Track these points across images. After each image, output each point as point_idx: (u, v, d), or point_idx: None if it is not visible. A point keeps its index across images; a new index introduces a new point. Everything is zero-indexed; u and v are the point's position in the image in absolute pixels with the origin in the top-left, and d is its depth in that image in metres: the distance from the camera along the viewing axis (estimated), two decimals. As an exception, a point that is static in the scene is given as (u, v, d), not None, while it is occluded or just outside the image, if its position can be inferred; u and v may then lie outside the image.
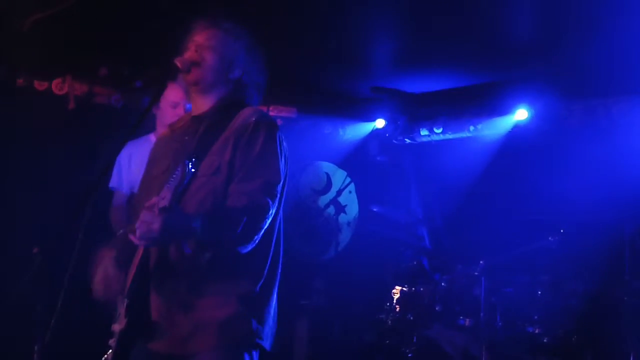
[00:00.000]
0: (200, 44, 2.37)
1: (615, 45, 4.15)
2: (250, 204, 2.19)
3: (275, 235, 2.35)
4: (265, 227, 2.24)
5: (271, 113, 5.78)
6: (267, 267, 2.31)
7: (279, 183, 2.27)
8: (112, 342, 2.28)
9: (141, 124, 2.41)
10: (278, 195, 2.27)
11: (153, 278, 2.26)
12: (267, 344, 2.31)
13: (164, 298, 2.24)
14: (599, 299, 4.05)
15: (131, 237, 2.15)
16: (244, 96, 2.44)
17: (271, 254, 2.33)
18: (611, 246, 4.14)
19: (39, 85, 4.57)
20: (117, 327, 2.26)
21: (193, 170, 2.14)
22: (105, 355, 2.42)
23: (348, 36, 4.44)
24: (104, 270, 2.39)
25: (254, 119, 2.31)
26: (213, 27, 2.40)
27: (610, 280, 4.07)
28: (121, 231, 2.53)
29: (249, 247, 2.21)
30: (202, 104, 2.41)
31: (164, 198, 2.09)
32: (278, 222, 2.36)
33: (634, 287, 3.90)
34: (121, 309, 2.27)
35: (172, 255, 2.24)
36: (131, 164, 3.66)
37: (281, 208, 2.35)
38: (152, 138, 3.62)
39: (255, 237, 2.21)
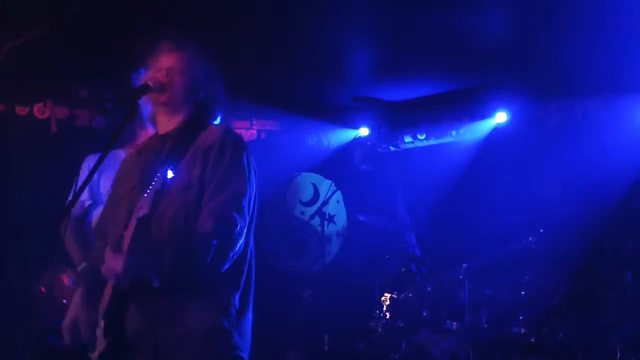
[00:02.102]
0: (170, 67, 2.43)
1: (588, 45, 4.20)
2: (218, 224, 2.22)
3: (249, 248, 2.39)
4: (240, 241, 2.27)
5: (254, 127, 5.83)
6: (243, 279, 2.36)
7: (245, 196, 2.30)
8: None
9: (116, 143, 2.43)
10: (246, 208, 2.30)
11: (131, 295, 2.26)
12: (246, 355, 2.35)
13: (145, 314, 2.26)
14: (582, 296, 4.08)
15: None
16: (208, 115, 2.51)
17: (246, 266, 2.37)
18: (591, 244, 4.17)
19: (20, 110, 4.61)
20: (95, 354, 2.26)
21: (172, 176, 2.17)
22: None
23: (327, 47, 4.49)
24: (73, 314, 2.45)
25: (221, 135, 2.36)
26: (180, 50, 2.48)
27: (591, 277, 4.11)
28: (83, 265, 2.54)
29: (227, 265, 2.25)
30: (168, 123, 2.46)
31: (141, 207, 2.13)
32: (251, 235, 2.40)
33: (615, 283, 3.94)
34: (98, 333, 2.27)
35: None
36: (106, 177, 3.62)
37: (253, 222, 2.39)
38: (121, 153, 3.60)
39: (230, 254, 2.24)
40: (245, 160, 2.35)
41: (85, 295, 2.42)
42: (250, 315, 2.40)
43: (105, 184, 3.38)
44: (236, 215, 2.25)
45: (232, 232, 2.23)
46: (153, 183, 2.14)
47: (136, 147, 2.59)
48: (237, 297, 2.33)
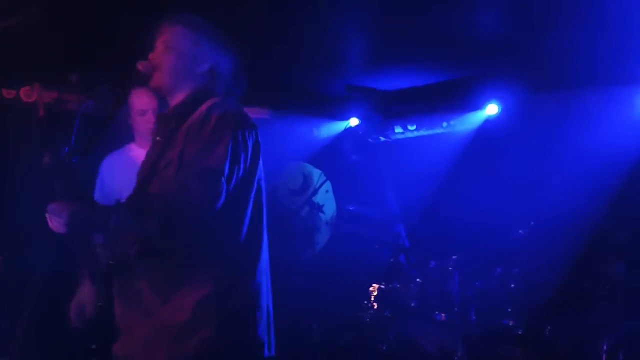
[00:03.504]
0: (161, 47, 2.32)
1: (581, 36, 4.20)
2: (180, 191, 2.05)
3: (244, 235, 2.20)
4: (204, 215, 2.07)
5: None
6: (233, 268, 2.17)
7: (221, 173, 2.08)
8: (94, 346, 2.27)
9: (106, 132, 2.36)
10: (220, 185, 2.07)
11: (116, 278, 2.21)
12: (251, 347, 2.19)
13: (125, 300, 2.20)
14: (571, 289, 4.11)
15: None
16: (217, 87, 2.34)
17: (239, 253, 2.19)
18: (582, 236, 4.19)
19: (7, 93, 4.53)
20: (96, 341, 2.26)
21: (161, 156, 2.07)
22: None
23: (319, 34, 4.45)
24: (79, 300, 2.37)
25: (207, 109, 2.21)
26: (172, 24, 2.34)
27: (580, 270, 4.13)
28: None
29: (189, 237, 2.09)
30: (171, 102, 2.35)
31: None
32: (246, 221, 2.21)
33: (603, 277, 3.96)
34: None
35: (127, 255, 2.16)
36: (113, 176, 3.58)
37: (251, 205, 2.22)
38: (133, 148, 3.56)
39: (188, 226, 2.08)
40: (230, 136, 2.12)
41: (89, 278, 2.33)
42: (240, 307, 2.18)
43: (118, 183, 3.28)
44: (202, 188, 2.05)
45: (193, 203, 2.04)
46: (146, 168, 2.10)
47: (152, 134, 2.47)
48: (223, 288, 2.14)
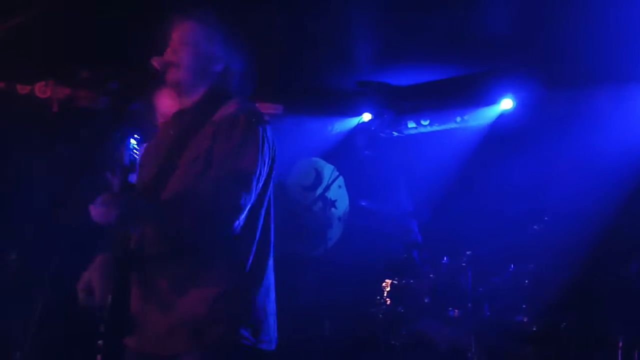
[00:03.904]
0: (176, 43, 2.31)
1: (597, 32, 4.16)
2: (215, 190, 2.11)
3: (259, 231, 2.25)
4: (239, 218, 2.13)
5: (256, 110, 5.77)
6: (249, 263, 2.21)
7: (254, 173, 2.16)
8: (100, 342, 2.28)
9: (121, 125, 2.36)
10: (253, 185, 2.15)
11: (134, 273, 2.21)
12: (259, 343, 2.20)
13: (142, 294, 2.21)
14: (585, 286, 4.07)
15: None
16: (231, 87, 2.37)
17: (254, 250, 2.23)
18: (595, 233, 4.15)
19: (21, 89, 4.56)
20: (102, 327, 2.23)
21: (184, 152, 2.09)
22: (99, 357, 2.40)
23: (332, 31, 4.44)
24: (88, 275, 2.35)
25: (235, 110, 2.24)
26: (187, 20, 2.34)
27: (595, 267, 4.10)
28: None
29: (218, 239, 2.13)
30: (186, 100, 2.36)
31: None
32: (262, 217, 2.26)
33: (618, 274, 3.93)
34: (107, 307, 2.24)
35: (150, 250, 2.20)
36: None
37: (266, 202, 2.27)
38: None
39: (223, 227, 2.12)
40: (260, 136, 2.20)
41: (103, 262, 2.33)
42: (260, 300, 2.23)
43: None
44: (238, 189, 2.12)
45: (229, 200, 2.10)
46: (165, 161, 2.11)
47: (161, 125, 2.48)
48: (241, 282, 2.19)
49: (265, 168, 2.23)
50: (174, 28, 2.36)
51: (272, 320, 2.28)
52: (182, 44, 2.31)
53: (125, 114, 2.33)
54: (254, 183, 2.16)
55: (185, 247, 2.16)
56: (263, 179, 2.23)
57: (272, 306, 2.29)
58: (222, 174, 2.14)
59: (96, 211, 2.05)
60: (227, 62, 2.36)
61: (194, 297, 2.15)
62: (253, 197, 2.17)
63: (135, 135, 2.27)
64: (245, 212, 2.17)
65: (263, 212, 2.28)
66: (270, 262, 2.31)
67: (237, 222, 2.14)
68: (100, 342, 2.27)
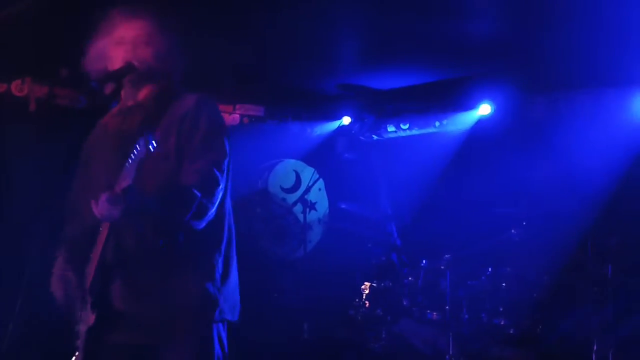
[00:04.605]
0: (134, 38, 2.34)
1: (574, 38, 4.21)
2: (202, 179, 2.24)
3: (227, 211, 2.41)
4: (217, 201, 2.29)
5: (238, 112, 5.76)
6: (223, 244, 2.37)
7: (225, 158, 2.33)
8: (79, 342, 2.26)
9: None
10: (225, 170, 2.33)
11: (115, 269, 2.25)
12: (230, 316, 2.38)
13: (130, 287, 2.24)
14: (561, 289, 4.12)
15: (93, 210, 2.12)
16: (179, 84, 2.47)
17: (225, 229, 2.39)
18: (574, 238, 4.20)
19: (-2, 87, 4.50)
20: (83, 327, 2.24)
21: (155, 145, 2.09)
22: (74, 358, 2.39)
23: (313, 33, 4.44)
24: (60, 274, 2.37)
25: (195, 102, 2.34)
26: (140, 19, 2.38)
27: (572, 270, 4.15)
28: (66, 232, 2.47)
29: (203, 223, 2.26)
30: (137, 94, 2.40)
31: (124, 179, 2.08)
32: (228, 198, 2.42)
33: (595, 278, 3.98)
34: (86, 307, 2.24)
35: (130, 243, 2.25)
36: None
37: (229, 183, 2.40)
38: None
39: (209, 213, 2.26)
40: (223, 122, 2.40)
41: (68, 259, 2.36)
42: (233, 279, 2.42)
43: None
44: (218, 174, 2.28)
45: (215, 189, 2.26)
46: (132, 154, 2.08)
47: (102, 122, 2.50)
48: (220, 261, 2.34)
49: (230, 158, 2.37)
50: (121, 22, 2.37)
51: (234, 295, 2.43)
52: (141, 41, 2.35)
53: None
54: (226, 167, 2.33)
55: (178, 239, 2.23)
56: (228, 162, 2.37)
57: (236, 279, 2.44)
58: (201, 164, 2.26)
59: (101, 208, 2.08)
60: (176, 61, 2.44)
61: (180, 282, 2.25)
62: (225, 179, 2.33)
63: None
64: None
65: (229, 192, 2.43)
66: (234, 240, 2.44)
67: (215, 205, 2.29)
68: (78, 341, 2.26)
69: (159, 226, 2.20)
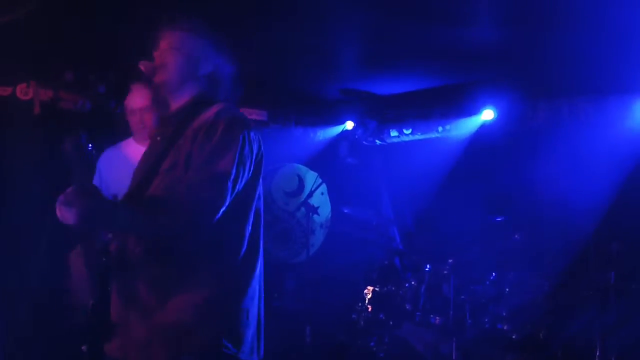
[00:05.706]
0: (163, 48, 2.33)
1: (577, 44, 4.23)
2: (187, 192, 2.08)
3: (246, 238, 2.22)
4: (211, 219, 2.09)
5: (241, 116, 5.77)
6: (234, 271, 2.18)
7: (228, 176, 2.11)
8: (84, 347, 2.25)
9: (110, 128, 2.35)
10: (226, 188, 2.10)
11: (114, 278, 2.17)
12: (240, 353, 2.17)
13: (122, 300, 2.17)
14: (565, 294, 4.13)
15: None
16: (217, 92, 2.37)
17: (241, 257, 2.20)
18: (575, 243, 4.21)
19: (3, 90, 4.51)
20: (87, 333, 2.23)
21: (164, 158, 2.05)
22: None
23: (317, 38, 4.45)
24: (77, 271, 2.32)
25: (215, 113, 2.22)
26: (174, 29, 2.36)
27: (574, 275, 4.15)
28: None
29: (189, 243, 2.11)
30: (172, 104, 2.35)
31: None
32: (249, 224, 2.23)
33: (597, 282, 3.98)
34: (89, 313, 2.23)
35: (131, 255, 2.17)
36: (110, 170, 3.55)
37: (253, 209, 2.24)
38: (131, 143, 3.55)
39: (194, 227, 2.10)
40: (239, 140, 2.16)
41: (85, 260, 2.27)
42: (244, 309, 2.21)
43: (115, 177, 3.22)
44: (211, 191, 2.08)
45: (202, 206, 2.08)
46: (146, 167, 2.09)
47: (150, 134, 2.45)
48: (225, 289, 2.16)
49: (246, 172, 2.19)
50: (163, 34, 2.36)
51: (254, 330, 2.24)
52: (170, 49, 2.33)
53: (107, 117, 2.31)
54: (229, 186, 2.11)
55: (163, 251, 2.13)
56: (243, 182, 2.18)
57: (254, 315, 2.25)
58: (196, 175, 2.11)
59: (59, 211, 2.00)
60: (216, 67, 2.37)
61: (175, 304, 2.11)
62: (228, 200, 2.12)
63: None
64: (229, 218, 2.13)
65: (251, 219, 2.25)
66: (257, 271, 2.27)
67: (208, 223, 2.11)
68: (84, 347, 2.24)
69: (139, 236, 2.12)
